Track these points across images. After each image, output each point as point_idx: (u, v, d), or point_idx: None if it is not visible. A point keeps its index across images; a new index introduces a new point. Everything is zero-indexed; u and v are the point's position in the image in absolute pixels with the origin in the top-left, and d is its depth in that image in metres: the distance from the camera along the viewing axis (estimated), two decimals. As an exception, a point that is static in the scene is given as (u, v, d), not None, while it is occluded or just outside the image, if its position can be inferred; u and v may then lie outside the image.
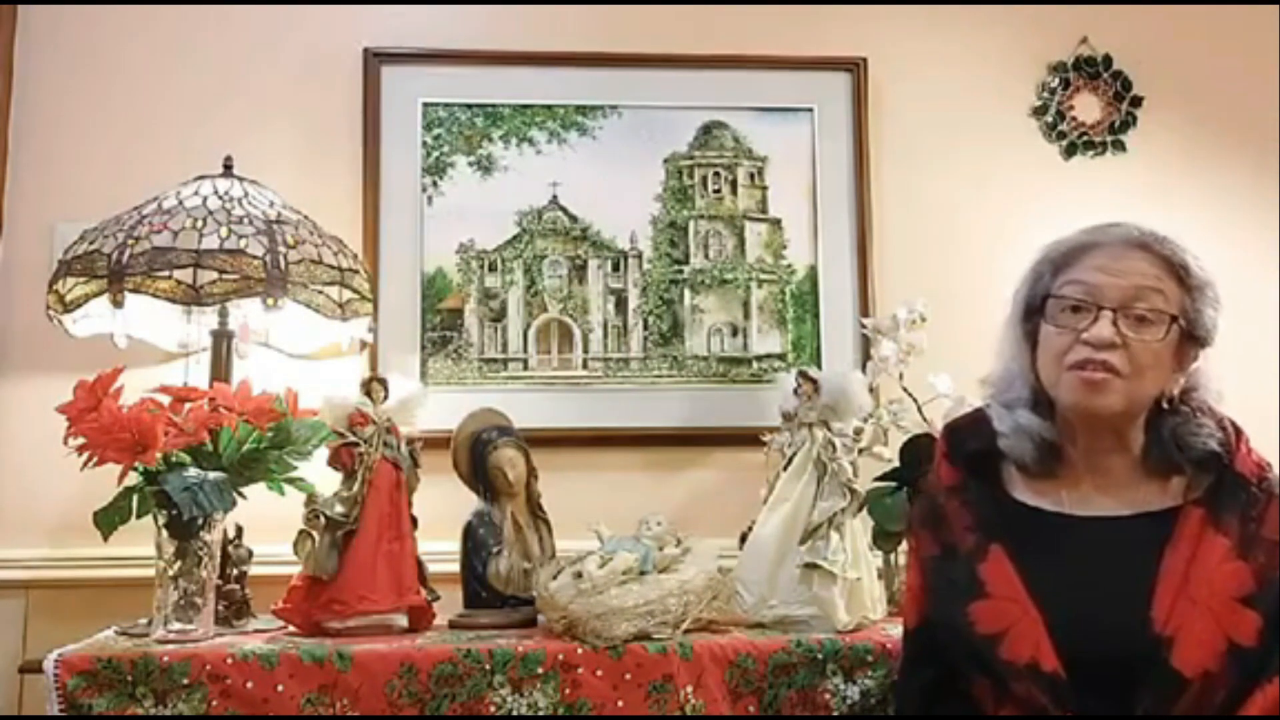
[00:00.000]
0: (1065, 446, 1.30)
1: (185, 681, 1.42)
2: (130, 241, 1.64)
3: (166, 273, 1.62)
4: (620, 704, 1.46)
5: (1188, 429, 1.26)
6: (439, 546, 1.72)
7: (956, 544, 1.28)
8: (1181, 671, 1.13)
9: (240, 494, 1.63)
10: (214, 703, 1.42)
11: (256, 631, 1.64)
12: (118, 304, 1.64)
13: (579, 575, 1.57)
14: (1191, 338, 1.26)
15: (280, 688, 1.43)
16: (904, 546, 1.62)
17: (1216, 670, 1.13)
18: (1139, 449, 1.28)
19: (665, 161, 2.18)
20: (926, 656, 1.31)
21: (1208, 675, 1.13)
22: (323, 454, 1.69)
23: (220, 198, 1.73)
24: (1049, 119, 2.26)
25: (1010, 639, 1.19)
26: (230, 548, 1.71)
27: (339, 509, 1.63)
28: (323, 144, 2.11)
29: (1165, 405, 1.27)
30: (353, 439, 1.66)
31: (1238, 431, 1.28)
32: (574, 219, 2.15)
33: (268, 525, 1.72)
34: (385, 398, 1.71)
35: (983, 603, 1.22)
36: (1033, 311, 1.31)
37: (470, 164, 2.14)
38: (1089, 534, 1.26)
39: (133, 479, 1.57)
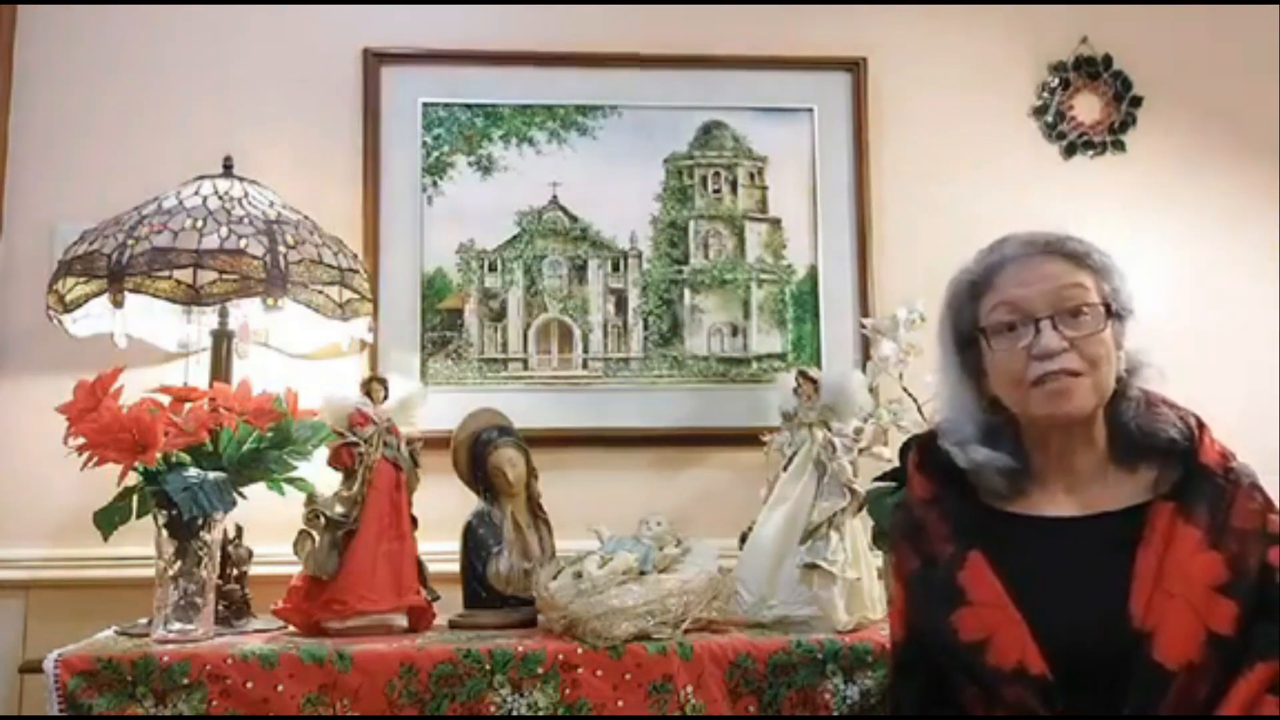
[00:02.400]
0: (1033, 456, 1.31)
1: (185, 681, 1.42)
2: (130, 241, 1.64)
3: (166, 273, 1.62)
4: (620, 704, 1.46)
5: (1148, 417, 1.28)
6: (439, 546, 1.72)
7: (935, 554, 1.29)
8: (1164, 664, 1.13)
9: (240, 494, 1.63)
10: (214, 703, 1.42)
11: (256, 631, 1.64)
12: (118, 304, 1.64)
13: (579, 575, 1.57)
14: (1118, 316, 1.28)
15: (280, 688, 1.43)
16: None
17: (1199, 661, 1.13)
18: (1104, 442, 1.29)
19: (665, 161, 2.18)
20: (914, 668, 1.31)
21: (1190, 667, 1.13)
22: (323, 454, 1.70)
23: (220, 198, 1.73)
24: (1049, 119, 2.26)
25: (995, 645, 1.19)
26: (230, 548, 1.71)
27: (339, 509, 1.63)
28: (323, 144, 2.11)
29: (1115, 384, 1.28)
30: (353, 439, 1.66)
31: (1200, 424, 1.29)
32: (574, 219, 2.15)
33: (268, 525, 1.72)
34: (385, 398, 1.71)
35: (965, 610, 1.23)
36: (965, 344, 1.33)
37: (470, 164, 2.14)
38: (1063, 535, 1.26)
39: (133, 479, 1.58)
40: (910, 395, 1.91)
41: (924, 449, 1.38)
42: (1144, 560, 1.19)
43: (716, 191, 2.19)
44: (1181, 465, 1.25)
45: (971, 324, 1.32)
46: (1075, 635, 1.17)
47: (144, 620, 1.62)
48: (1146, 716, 1.13)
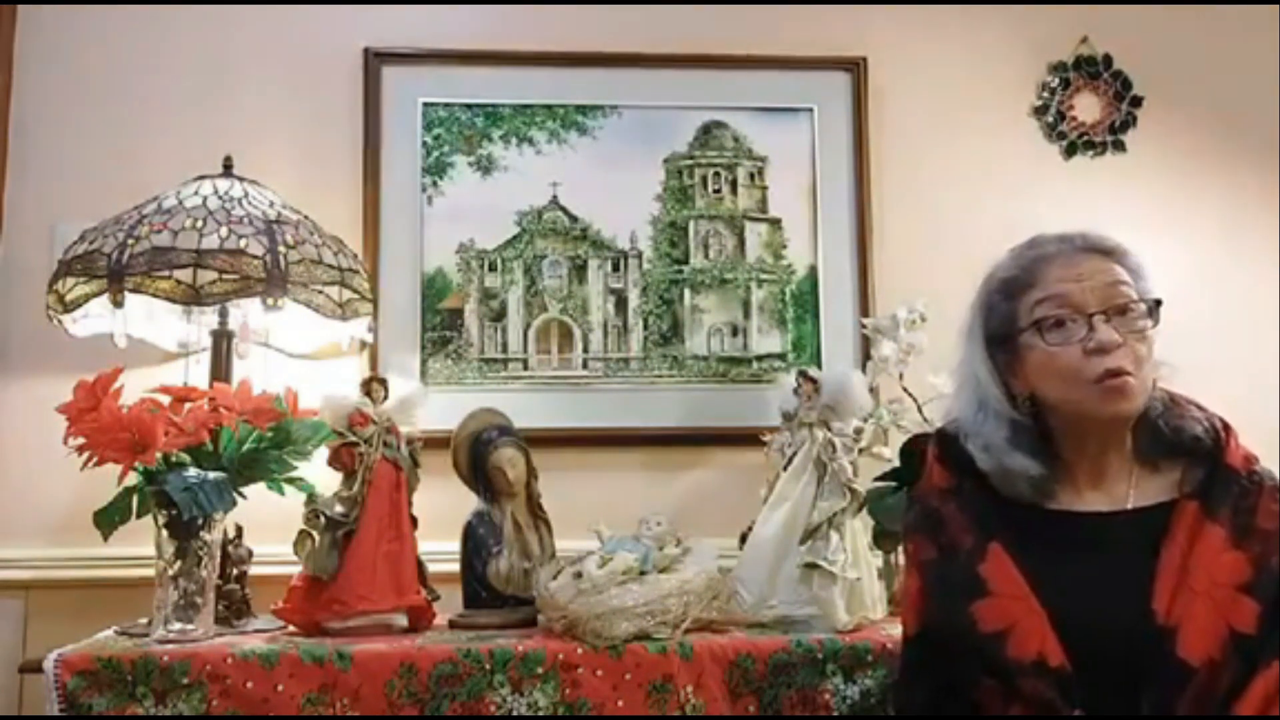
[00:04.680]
0: (1065, 454, 1.30)
1: (185, 681, 1.42)
2: (130, 241, 1.64)
3: (166, 273, 1.62)
4: (620, 704, 1.46)
5: (1174, 415, 1.28)
6: (439, 546, 1.72)
7: (955, 545, 1.28)
8: (1188, 661, 1.13)
9: (240, 494, 1.63)
10: (214, 703, 1.42)
11: (256, 631, 1.64)
12: (118, 304, 1.64)
13: (579, 575, 1.57)
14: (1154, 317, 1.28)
15: (280, 688, 1.43)
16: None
17: (1220, 659, 1.13)
18: (1130, 441, 1.29)
19: (665, 161, 2.18)
20: (929, 663, 1.30)
21: (1212, 664, 1.13)
22: (323, 454, 1.70)
23: (220, 198, 1.73)
24: (1049, 119, 2.26)
25: (1015, 636, 1.19)
26: (230, 548, 1.71)
27: (339, 509, 1.63)
28: (323, 144, 2.11)
29: None
30: (353, 439, 1.66)
31: (1226, 427, 1.29)
32: (574, 219, 2.15)
33: (268, 525, 1.72)
34: (385, 398, 1.71)
35: (985, 601, 1.22)
36: (996, 343, 1.31)
37: (470, 164, 2.14)
38: (1086, 530, 1.26)
39: (133, 479, 1.58)
40: (910, 395, 1.91)
41: (943, 440, 1.37)
42: (1168, 557, 1.19)
43: (716, 191, 2.19)
44: (1206, 466, 1.25)
45: (1006, 322, 1.30)
46: (1097, 629, 1.17)
47: (144, 620, 1.62)
48: (1168, 717, 1.13)
